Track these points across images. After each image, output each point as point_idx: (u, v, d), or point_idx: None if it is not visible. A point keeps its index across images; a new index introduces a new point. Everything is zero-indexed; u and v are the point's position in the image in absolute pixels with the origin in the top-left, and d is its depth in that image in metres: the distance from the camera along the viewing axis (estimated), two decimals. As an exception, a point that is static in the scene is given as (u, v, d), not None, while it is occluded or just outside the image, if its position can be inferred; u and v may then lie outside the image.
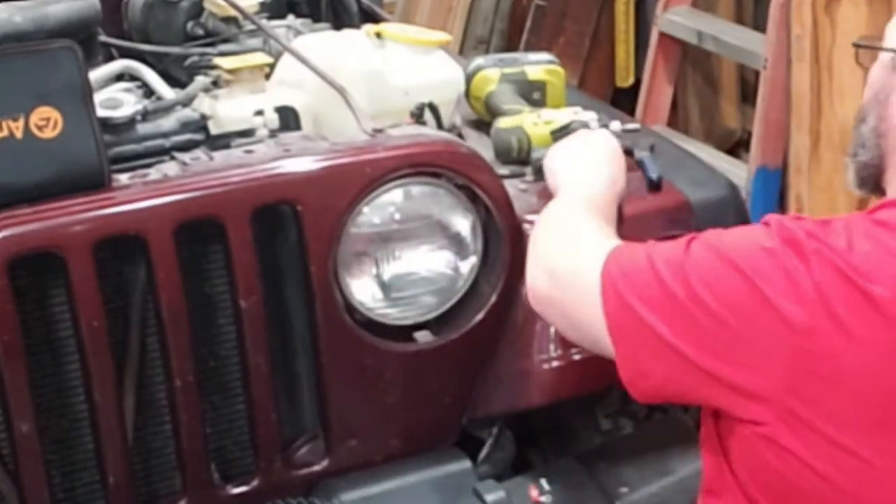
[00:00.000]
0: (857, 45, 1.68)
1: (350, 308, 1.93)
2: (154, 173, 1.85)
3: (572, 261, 1.65)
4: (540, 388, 2.02)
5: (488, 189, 1.95)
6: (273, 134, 2.06)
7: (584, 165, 1.93)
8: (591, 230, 1.71)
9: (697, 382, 1.49)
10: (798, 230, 1.47)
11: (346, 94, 2.09)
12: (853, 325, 1.42)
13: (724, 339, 1.46)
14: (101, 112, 1.89)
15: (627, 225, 2.04)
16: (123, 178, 1.83)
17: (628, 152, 2.20)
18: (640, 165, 2.16)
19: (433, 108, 2.16)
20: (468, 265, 1.98)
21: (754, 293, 1.44)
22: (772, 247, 1.46)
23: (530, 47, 4.58)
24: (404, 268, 1.96)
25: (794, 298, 1.42)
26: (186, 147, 1.99)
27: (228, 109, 2.09)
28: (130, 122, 2.00)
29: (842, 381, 1.42)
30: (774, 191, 3.73)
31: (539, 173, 2.15)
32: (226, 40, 2.40)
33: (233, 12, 2.42)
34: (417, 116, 2.14)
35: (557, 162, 1.97)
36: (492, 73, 2.36)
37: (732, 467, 1.55)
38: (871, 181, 1.61)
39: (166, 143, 2.01)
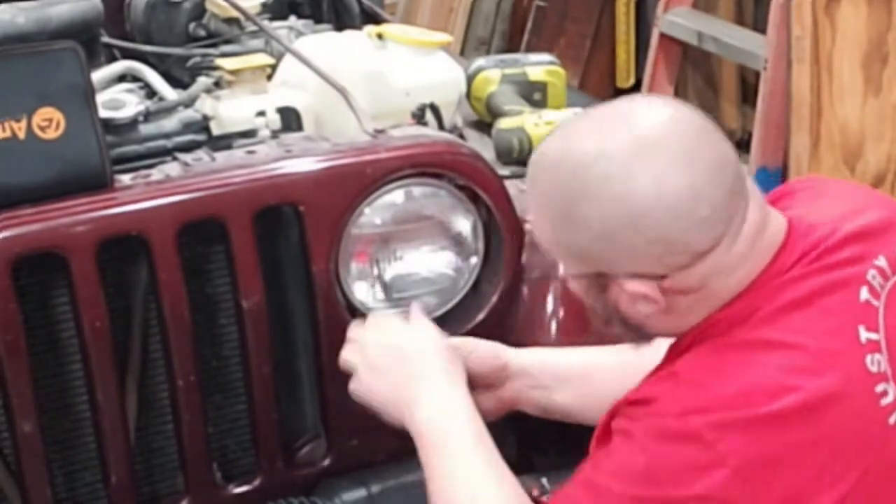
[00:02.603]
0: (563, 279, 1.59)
1: (351, 308, 1.93)
2: (156, 174, 1.86)
3: None
4: (541, 388, 2.02)
5: (489, 189, 1.95)
6: (275, 135, 2.06)
7: (421, 381, 1.63)
8: (483, 486, 1.54)
9: None
10: (664, 417, 1.40)
11: (347, 95, 2.09)
12: (789, 449, 1.39)
13: None
14: (103, 113, 1.89)
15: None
16: (126, 178, 1.84)
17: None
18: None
19: (434, 109, 2.17)
20: (469, 265, 1.99)
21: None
22: (646, 460, 1.40)
23: (531, 48, 4.59)
24: (405, 268, 1.97)
25: (708, 473, 1.37)
26: (188, 148, 2.00)
27: (230, 110, 2.09)
28: (133, 122, 2.01)
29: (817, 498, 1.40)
30: (774, 191, 3.73)
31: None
32: (228, 41, 2.41)
33: (235, 13, 2.42)
34: (419, 117, 2.15)
35: (384, 396, 1.66)
36: (493, 73, 2.37)
37: None
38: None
39: (168, 143, 2.02)
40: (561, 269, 1.51)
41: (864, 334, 1.45)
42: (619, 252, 1.42)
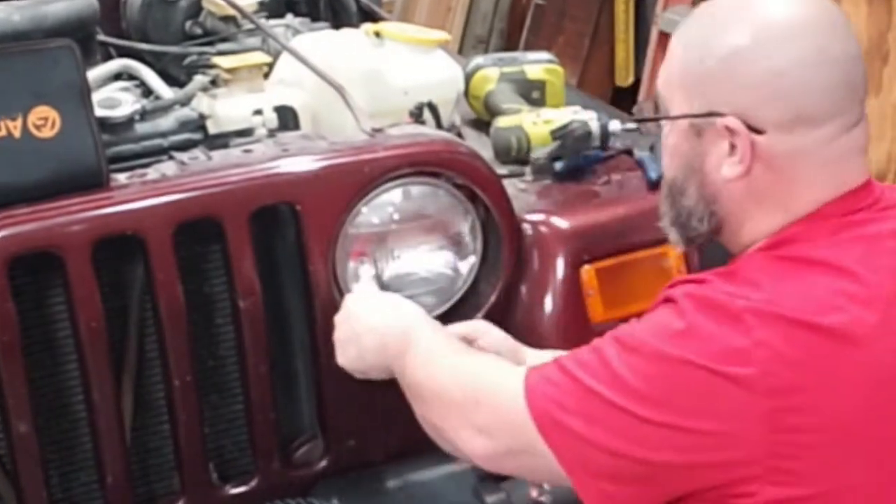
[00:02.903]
0: (639, 120, 1.66)
1: (349, 308, 1.93)
2: (152, 173, 1.85)
3: (494, 409, 1.53)
4: (539, 388, 2.02)
5: (488, 189, 1.95)
6: (272, 133, 2.06)
7: (385, 331, 1.73)
8: (478, 366, 1.60)
9: (673, 482, 1.43)
10: (713, 293, 1.42)
11: (344, 94, 2.08)
12: (818, 365, 1.38)
13: (688, 429, 1.39)
14: (99, 111, 1.89)
15: (627, 225, 2.05)
16: (122, 177, 1.83)
17: (628, 152, 2.20)
18: (640, 165, 2.16)
19: (432, 108, 2.16)
20: (467, 265, 1.98)
21: (699, 374, 1.38)
22: (686, 325, 1.40)
23: (529, 46, 4.59)
24: (403, 268, 1.96)
25: (740, 362, 1.37)
26: (185, 146, 1.99)
27: (227, 109, 2.09)
28: (129, 121, 2.00)
29: (825, 424, 1.39)
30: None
31: (539, 172, 2.15)
32: (224, 39, 2.40)
33: (231, 11, 2.42)
34: (416, 116, 2.14)
35: (363, 351, 1.76)
36: (491, 72, 2.36)
37: None
38: (707, 240, 1.57)
39: (165, 142, 2.01)
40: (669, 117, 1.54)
41: None
42: (734, 79, 1.46)
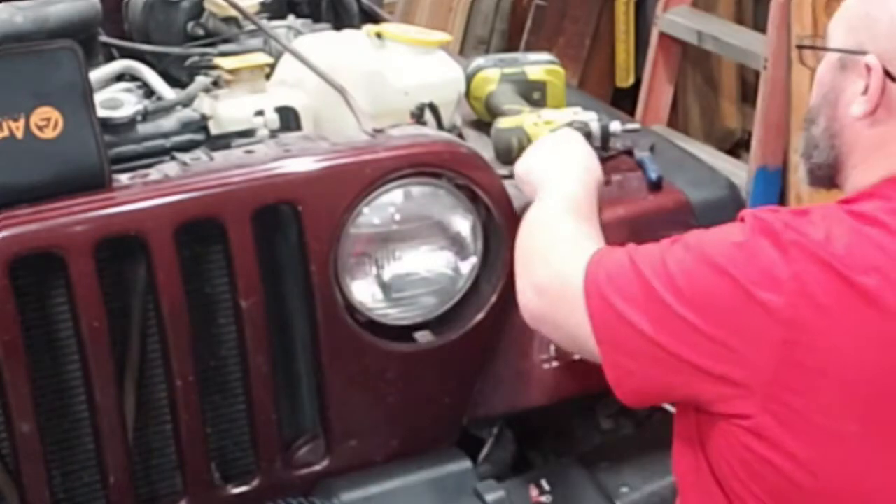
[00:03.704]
0: (800, 47, 1.71)
1: (350, 308, 1.93)
2: (154, 173, 1.85)
3: (557, 273, 1.65)
4: (540, 388, 2.02)
5: (489, 189, 1.95)
6: (273, 134, 2.06)
7: (555, 164, 1.90)
8: (570, 235, 1.71)
9: (681, 379, 1.51)
10: (774, 221, 1.49)
11: (346, 95, 2.09)
12: (840, 315, 1.44)
13: (708, 335, 1.48)
14: (101, 112, 1.89)
15: (628, 225, 2.05)
16: (124, 178, 1.83)
17: (628, 152, 2.20)
18: (640, 165, 2.16)
19: (433, 109, 2.16)
20: (468, 265, 1.98)
21: (734, 288, 1.46)
22: (744, 240, 1.49)
23: (530, 47, 4.58)
24: (404, 268, 1.97)
25: (773, 288, 1.45)
26: (187, 147, 1.99)
27: (229, 109, 2.09)
28: (131, 122, 2.00)
29: (829, 371, 1.44)
30: (774, 191, 3.73)
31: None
32: (226, 40, 2.40)
33: (233, 12, 2.42)
34: (418, 117, 2.14)
35: (529, 167, 1.94)
36: (492, 73, 2.36)
37: (713, 466, 1.56)
38: (826, 180, 1.65)
39: (167, 143, 2.01)
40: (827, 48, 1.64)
41: None
42: (884, 29, 1.54)
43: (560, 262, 1.65)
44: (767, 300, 1.44)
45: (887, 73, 1.53)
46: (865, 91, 1.54)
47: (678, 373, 1.51)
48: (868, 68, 1.54)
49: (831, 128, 1.60)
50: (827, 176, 1.64)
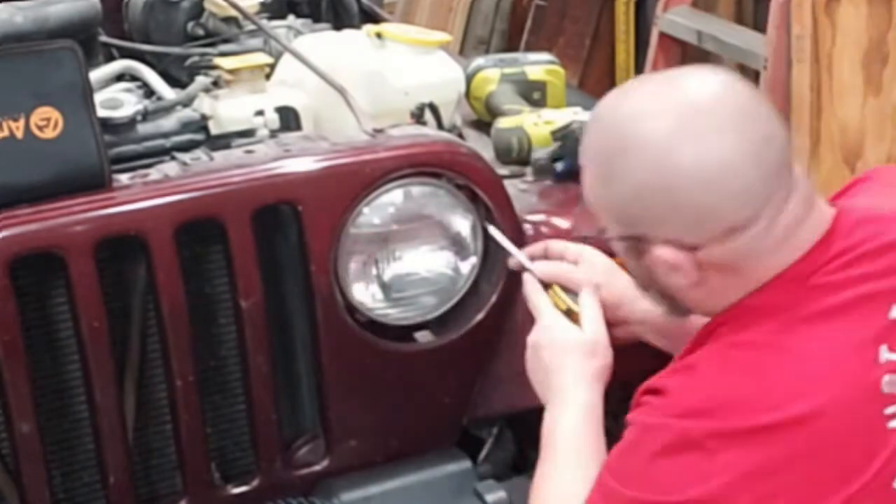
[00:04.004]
0: (585, 237, 1.66)
1: (350, 308, 1.93)
2: (154, 173, 1.85)
3: None
4: (540, 389, 2.02)
5: (489, 189, 1.95)
6: (273, 134, 2.06)
7: (558, 386, 1.71)
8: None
9: None
10: (672, 422, 1.44)
11: (346, 95, 2.09)
12: (783, 459, 1.40)
13: None
14: (101, 112, 1.89)
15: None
16: (124, 178, 1.83)
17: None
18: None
19: (433, 109, 2.17)
20: (468, 265, 1.98)
21: None
22: (649, 465, 1.44)
23: (530, 47, 4.58)
24: (404, 268, 1.96)
25: (705, 487, 1.40)
26: (187, 147, 1.99)
27: (229, 109, 2.09)
28: (131, 122, 2.00)
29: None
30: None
31: (539, 173, 2.15)
32: (226, 40, 2.40)
33: (233, 12, 2.42)
34: (418, 117, 2.15)
35: (538, 380, 1.76)
36: (492, 73, 2.37)
37: None
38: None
39: (167, 143, 2.01)
40: (606, 231, 1.56)
41: (886, 354, 1.45)
42: (653, 214, 1.45)
43: None
44: (708, 490, 1.40)
45: (689, 247, 1.46)
46: (674, 267, 1.47)
47: None
48: (666, 255, 1.47)
49: (666, 296, 1.55)
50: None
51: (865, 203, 1.56)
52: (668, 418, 1.44)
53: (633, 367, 1.67)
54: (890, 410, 1.44)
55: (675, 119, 1.43)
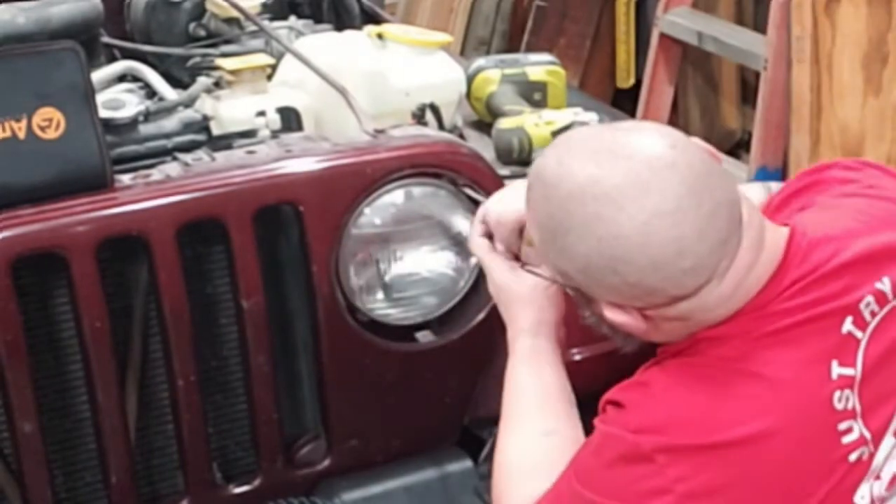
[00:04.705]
0: (526, 268, 1.62)
1: (351, 308, 1.93)
2: (156, 174, 1.86)
3: None
4: (541, 388, 2.02)
5: (490, 190, 1.95)
6: (275, 135, 2.06)
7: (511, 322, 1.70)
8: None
9: None
10: (625, 434, 1.44)
11: (347, 95, 2.09)
12: (733, 478, 1.40)
13: None
14: (103, 113, 1.89)
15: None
16: (126, 178, 1.84)
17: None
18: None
19: (434, 109, 2.17)
20: (469, 266, 1.98)
21: None
22: (603, 471, 1.45)
23: (531, 48, 4.58)
24: (405, 268, 1.97)
25: (653, 494, 1.41)
26: (188, 148, 1.99)
27: (230, 110, 2.09)
28: (133, 122, 2.00)
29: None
30: (775, 191, 3.72)
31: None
32: (228, 41, 2.40)
33: (235, 13, 2.42)
34: (419, 117, 2.15)
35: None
36: (493, 73, 2.37)
37: None
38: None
39: (168, 143, 2.01)
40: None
41: (837, 370, 1.45)
42: (598, 286, 1.44)
43: None
44: None
45: (636, 309, 1.45)
46: (622, 322, 1.47)
47: None
48: (613, 316, 1.46)
49: (619, 333, 1.53)
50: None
51: (820, 219, 1.54)
52: (623, 431, 1.45)
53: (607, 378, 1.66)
54: (843, 426, 1.45)
55: (622, 199, 1.38)
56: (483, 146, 2.14)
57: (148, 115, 2.02)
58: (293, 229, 1.89)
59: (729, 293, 1.44)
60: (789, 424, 1.42)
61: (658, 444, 1.42)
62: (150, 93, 2.13)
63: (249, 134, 2.06)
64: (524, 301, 1.67)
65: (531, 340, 1.66)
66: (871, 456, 1.47)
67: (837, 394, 1.44)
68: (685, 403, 1.44)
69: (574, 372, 2.00)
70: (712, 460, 1.41)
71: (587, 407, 2.15)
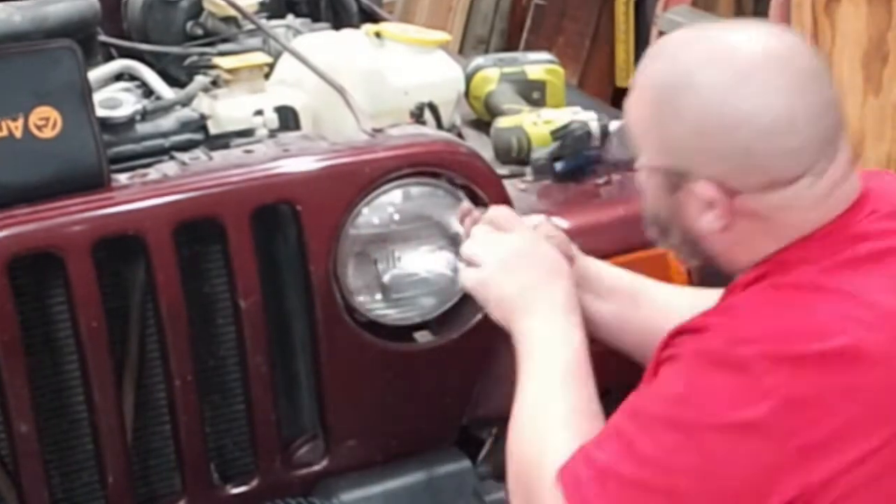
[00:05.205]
0: (613, 164, 1.63)
1: (350, 308, 1.93)
2: (153, 173, 1.85)
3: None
4: (540, 389, 2.02)
5: (488, 189, 1.95)
6: (272, 134, 2.06)
7: (526, 292, 1.66)
8: (543, 458, 1.51)
9: None
10: (716, 344, 1.42)
11: (345, 94, 2.09)
12: (830, 393, 1.38)
13: (722, 494, 1.39)
14: (100, 112, 1.89)
15: (627, 225, 2.05)
16: (123, 177, 1.83)
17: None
18: (640, 165, 2.16)
19: (433, 108, 2.17)
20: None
21: (713, 437, 1.39)
22: (691, 386, 1.41)
23: (530, 47, 4.59)
24: (404, 269, 1.96)
25: (752, 411, 1.37)
26: (186, 147, 1.99)
27: (228, 109, 2.09)
28: (130, 121, 2.00)
29: (850, 445, 1.39)
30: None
31: (539, 173, 2.15)
32: (225, 40, 2.40)
33: (232, 12, 2.42)
34: (417, 116, 2.15)
35: (498, 295, 1.69)
36: (491, 72, 2.37)
37: None
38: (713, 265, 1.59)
39: (165, 142, 2.01)
40: (641, 160, 1.54)
41: None
42: (704, 151, 1.46)
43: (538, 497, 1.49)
44: (754, 423, 1.37)
45: (729, 191, 1.46)
46: (710, 205, 1.47)
47: None
48: (706, 192, 1.47)
49: (690, 239, 1.53)
50: (714, 263, 1.57)
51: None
52: (715, 343, 1.42)
53: (611, 375, 1.66)
54: None
55: (747, 66, 1.44)
56: (481, 145, 2.14)
57: (145, 114, 2.02)
58: (291, 229, 1.88)
59: (818, 199, 1.47)
60: (883, 346, 1.40)
61: (755, 351, 1.39)
62: (147, 92, 2.13)
63: (247, 133, 2.06)
64: (565, 274, 1.68)
65: (563, 318, 1.64)
66: None
67: None
68: (778, 318, 1.42)
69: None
70: (810, 369, 1.38)
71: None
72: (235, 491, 1.95)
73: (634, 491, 1.42)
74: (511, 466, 1.56)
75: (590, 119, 2.16)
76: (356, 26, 2.45)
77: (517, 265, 1.69)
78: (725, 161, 1.45)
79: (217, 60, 2.18)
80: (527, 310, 1.65)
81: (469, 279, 1.72)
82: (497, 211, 1.78)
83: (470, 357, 2.02)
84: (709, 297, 1.66)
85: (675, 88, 1.47)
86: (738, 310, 1.47)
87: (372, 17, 2.68)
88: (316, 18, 2.63)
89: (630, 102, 1.55)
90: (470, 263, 1.72)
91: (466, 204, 1.87)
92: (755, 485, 1.38)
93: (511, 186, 2.04)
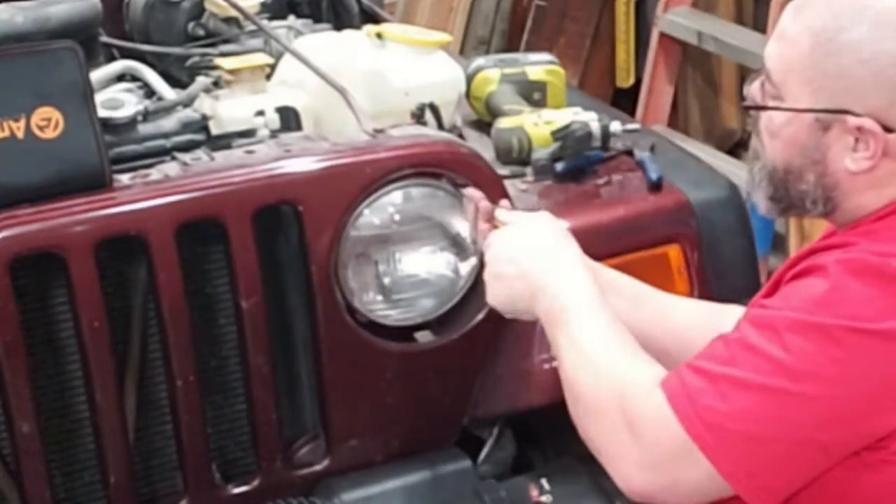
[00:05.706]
0: (761, 108, 1.56)
1: (351, 308, 1.93)
2: (155, 174, 1.86)
3: (656, 446, 1.44)
4: (540, 388, 2.02)
5: (489, 190, 1.95)
6: (274, 134, 2.06)
7: (546, 259, 1.65)
8: (629, 375, 1.50)
9: (841, 452, 1.41)
10: (865, 255, 1.41)
11: (346, 95, 2.09)
12: None
13: (850, 399, 1.38)
14: (102, 112, 1.89)
15: (628, 225, 2.05)
16: (124, 178, 1.83)
17: (629, 153, 2.21)
18: (640, 165, 2.16)
19: (434, 109, 2.17)
20: (468, 266, 1.98)
21: (853, 339, 1.37)
22: (838, 289, 1.39)
23: (531, 48, 4.58)
24: (405, 269, 1.96)
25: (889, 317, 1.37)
26: (187, 147, 1.99)
27: (229, 110, 2.09)
28: (131, 122, 2.00)
29: None
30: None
31: (540, 173, 2.15)
32: (227, 41, 2.40)
33: (234, 13, 2.42)
34: (418, 117, 2.15)
35: (518, 269, 1.66)
36: (492, 73, 2.37)
37: None
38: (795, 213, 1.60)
39: (167, 143, 2.01)
40: (784, 105, 1.52)
41: None
42: (873, 84, 1.45)
43: (642, 424, 1.45)
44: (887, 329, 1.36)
45: (885, 128, 1.46)
46: (856, 144, 1.47)
47: (839, 451, 1.41)
48: (860, 129, 1.46)
49: (825, 184, 1.52)
50: (802, 213, 1.58)
51: None
52: (863, 254, 1.41)
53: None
54: None
55: None
56: (482, 146, 2.14)
57: (147, 115, 2.02)
58: (292, 229, 1.89)
59: None
60: None
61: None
62: (149, 92, 2.13)
63: (248, 133, 2.06)
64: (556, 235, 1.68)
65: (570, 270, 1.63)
66: None
67: None
68: None
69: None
70: None
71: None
72: (237, 491, 1.95)
73: (748, 394, 1.38)
74: (590, 404, 1.53)
75: (590, 119, 2.17)
76: (357, 27, 2.45)
77: (503, 270, 1.68)
78: (887, 95, 1.45)
79: (219, 61, 2.18)
80: (536, 293, 1.62)
81: (492, 304, 1.71)
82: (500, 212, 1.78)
83: (470, 357, 2.02)
84: (711, 309, 1.66)
85: (845, 23, 1.46)
86: (882, 232, 1.47)
87: (373, 18, 2.68)
88: (317, 19, 2.63)
89: (777, 50, 1.52)
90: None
91: (471, 190, 1.85)
92: (885, 393, 1.37)
93: (512, 187, 2.05)
